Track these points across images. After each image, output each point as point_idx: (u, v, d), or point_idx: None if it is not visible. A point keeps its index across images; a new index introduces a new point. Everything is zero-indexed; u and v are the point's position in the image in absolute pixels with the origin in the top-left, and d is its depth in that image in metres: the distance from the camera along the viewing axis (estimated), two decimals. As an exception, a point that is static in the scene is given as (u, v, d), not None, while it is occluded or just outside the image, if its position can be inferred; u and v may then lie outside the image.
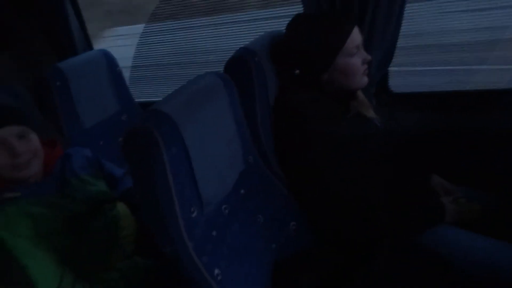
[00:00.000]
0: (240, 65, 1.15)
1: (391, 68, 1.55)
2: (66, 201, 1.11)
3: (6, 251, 0.96)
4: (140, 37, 2.23)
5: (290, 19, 1.23)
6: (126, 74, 1.95)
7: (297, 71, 1.20)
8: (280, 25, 1.30)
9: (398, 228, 1.08)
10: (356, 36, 1.17)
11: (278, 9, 1.95)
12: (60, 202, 1.09)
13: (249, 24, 2.01)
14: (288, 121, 1.16)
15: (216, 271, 0.84)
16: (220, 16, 2.09)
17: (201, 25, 2.15)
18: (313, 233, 1.15)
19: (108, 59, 1.80)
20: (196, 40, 2.13)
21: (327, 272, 1.07)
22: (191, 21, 2.13)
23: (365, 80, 1.22)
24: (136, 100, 1.95)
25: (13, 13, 1.78)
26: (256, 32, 1.93)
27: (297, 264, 1.02)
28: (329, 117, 1.16)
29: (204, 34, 2.13)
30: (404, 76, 2.02)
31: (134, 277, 1.07)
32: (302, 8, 1.42)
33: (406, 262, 1.07)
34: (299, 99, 1.17)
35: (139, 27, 2.30)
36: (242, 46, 1.19)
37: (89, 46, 2.00)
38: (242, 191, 1.02)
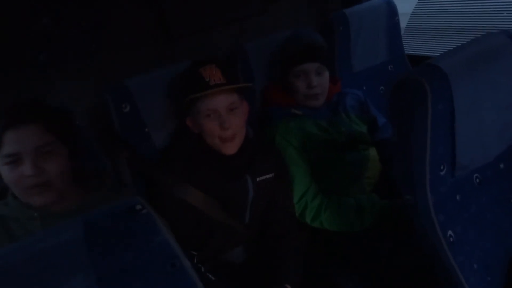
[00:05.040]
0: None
1: None
2: (332, 129, 1.32)
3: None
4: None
5: None
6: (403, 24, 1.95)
7: None
8: None
9: None
10: None
11: None
12: (328, 128, 1.32)
13: None
14: None
15: (450, 232, 0.85)
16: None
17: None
18: None
19: (389, 8, 1.82)
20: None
21: None
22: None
23: None
24: (406, 52, 1.94)
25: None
26: None
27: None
28: None
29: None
30: None
31: (368, 209, 1.20)
32: None
33: None
34: None
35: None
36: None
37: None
38: (501, 165, 0.95)
